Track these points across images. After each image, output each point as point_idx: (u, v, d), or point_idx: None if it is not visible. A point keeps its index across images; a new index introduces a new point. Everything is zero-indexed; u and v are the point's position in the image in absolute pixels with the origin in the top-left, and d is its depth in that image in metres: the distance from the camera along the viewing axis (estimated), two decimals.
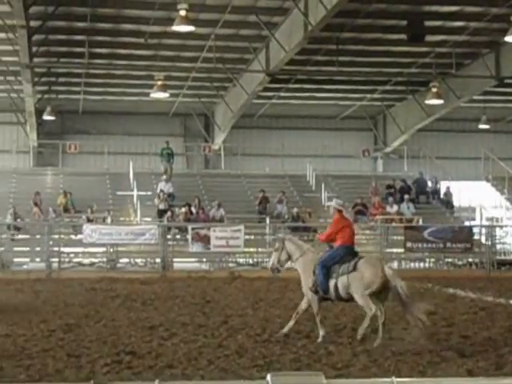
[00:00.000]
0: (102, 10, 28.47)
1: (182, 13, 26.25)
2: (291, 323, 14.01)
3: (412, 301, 13.15)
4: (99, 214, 32.28)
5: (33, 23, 27.54)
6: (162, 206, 33.14)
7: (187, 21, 26.39)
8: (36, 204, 32.39)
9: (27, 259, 30.34)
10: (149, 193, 35.86)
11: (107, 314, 17.08)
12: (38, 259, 30.23)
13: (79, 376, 11.04)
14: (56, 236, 30.71)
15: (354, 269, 13.26)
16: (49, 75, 34.44)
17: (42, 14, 27.79)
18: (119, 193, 36.35)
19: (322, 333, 13.59)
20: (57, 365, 11.69)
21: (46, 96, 37.10)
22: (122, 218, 33.76)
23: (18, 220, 31.25)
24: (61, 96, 38.26)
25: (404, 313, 13.31)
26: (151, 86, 35.48)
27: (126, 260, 30.50)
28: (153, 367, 11.52)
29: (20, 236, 31.27)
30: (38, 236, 31.15)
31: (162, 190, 34.23)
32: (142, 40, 30.50)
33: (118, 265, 29.86)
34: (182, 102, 39.87)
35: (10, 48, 30.29)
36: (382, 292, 13.23)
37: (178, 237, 31.58)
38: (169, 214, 32.32)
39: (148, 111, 40.73)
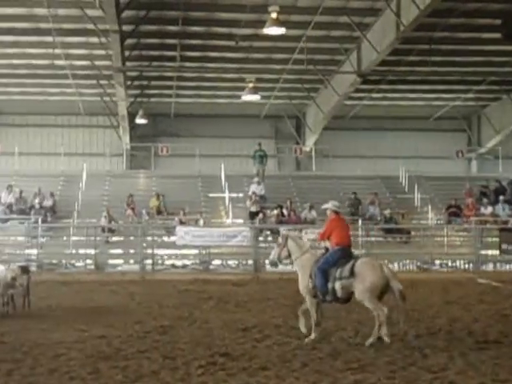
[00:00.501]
0: (194, 13, 28.59)
1: (273, 15, 26.22)
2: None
3: (402, 301, 13.43)
4: (191, 216, 32.48)
5: (125, 27, 27.84)
6: (253, 208, 33.15)
7: (278, 23, 26.33)
8: (129, 206, 32.80)
9: (121, 261, 30.69)
10: (240, 195, 35.90)
11: (201, 316, 17.13)
12: (131, 261, 30.57)
13: (175, 377, 11.14)
14: (149, 238, 31.02)
15: (353, 273, 13.53)
16: (141, 79, 34.83)
17: (134, 18, 28.10)
18: (211, 195, 36.47)
19: (314, 334, 13.81)
20: (152, 366, 11.79)
21: (138, 99, 37.57)
22: (214, 220, 33.93)
23: (112, 222, 31.66)
24: (153, 99, 38.70)
25: (397, 311, 13.65)
26: (242, 89, 35.58)
27: (218, 262, 30.57)
28: (247, 369, 11.52)
29: (114, 238, 31.66)
30: (131, 238, 31.57)
31: (253, 192, 34.24)
32: (233, 43, 30.54)
33: (211, 266, 30.01)
34: (273, 104, 39.87)
35: (102, 52, 30.76)
36: (382, 292, 13.55)
37: (269, 239, 31.56)
38: (260, 215, 32.35)
39: (239, 113, 40.82)
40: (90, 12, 27.10)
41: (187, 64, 33.03)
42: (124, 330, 15.19)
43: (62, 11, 27.88)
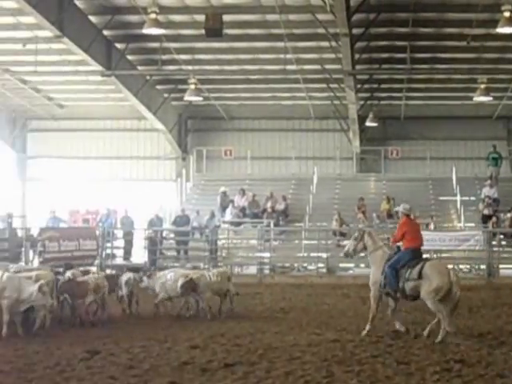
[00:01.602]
0: (424, 14, 28.14)
1: (507, 14, 25.34)
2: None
3: (455, 308, 14.53)
4: (422, 220, 31.87)
5: (355, 31, 27.85)
6: (486, 212, 32.13)
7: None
8: (360, 209, 32.74)
9: (352, 264, 30.63)
10: (472, 198, 34.94)
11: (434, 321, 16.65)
12: (362, 265, 30.42)
13: (409, 383, 10.99)
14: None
15: (421, 275, 14.47)
16: (371, 82, 34.67)
17: (365, 21, 28.03)
18: (442, 198, 35.75)
19: (368, 327, 14.97)
20: (386, 371, 11.70)
21: (368, 102, 37.42)
22: (445, 224, 33.22)
23: (343, 226, 31.71)
24: (383, 102, 38.41)
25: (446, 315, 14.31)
26: (474, 90, 34.68)
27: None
28: (483, 376, 11.25)
29: (345, 242, 31.59)
30: None
31: (487, 196, 33.21)
32: (464, 43, 29.73)
33: None
34: (505, 104, 38.47)
35: (332, 56, 30.85)
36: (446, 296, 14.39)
37: (503, 243, 30.49)
38: (494, 219, 31.30)
39: (470, 115, 39.65)
40: (321, 16, 27.34)
41: (417, 66, 32.49)
42: (357, 334, 15.16)
43: (293, 16, 28.36)
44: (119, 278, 18.24)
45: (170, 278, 17.84)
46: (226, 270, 20.17)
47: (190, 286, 17.45)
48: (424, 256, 15.71)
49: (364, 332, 14.94)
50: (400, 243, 15.39)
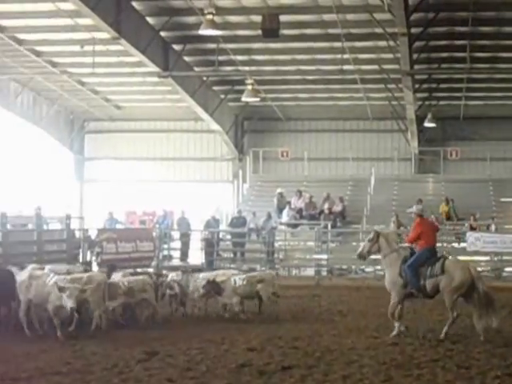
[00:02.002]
0: (484, 13, 27.71)
1: None
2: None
3: (491, 302, 14.53)
4: (483, 222, 31.45)
5: (413, 30, 27.52)
6: None
7: None
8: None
9: None
10: None
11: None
12: None
13: None
14: (439, 244, 30.20)
15: (443, 271, 14.73)
16: (429, 81, 34.24)
17: (423, 20, 27.69)
18: (503, 199, 35.20)
19: (397, 327, 15.14)
20: (446, 375, 11.50)
21: (426, 103, 36.98)
22: (506, 226, 32.60)
23: (401, 228, 31.34)
24: (441, 102, 37.90)
25: (477, 313, 14.58)
26: None
27: (511, 269, 29.35)
28: None
29: (404, 244, 31.23)
30: None
31: None
32: None
33: (504, 274, 28.83)
34: None
35: (390, 56, 30.55)
36: (468, 292, 14.67)
37: None
38: None
39: None
40: (378, 16, 27.07)
41: (477, 65, 31.95)
42: (416, 337, 14.94)
43: (350, 16, 28.14)
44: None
45: (202, 278, 17.90)
46: (269, 273, 19.60)
47: (213, 288, 17.43)
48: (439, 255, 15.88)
49: (394, 333, 15.03)
50: (414, 244, 15.78)
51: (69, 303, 14.31)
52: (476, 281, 14.65)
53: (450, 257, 16.19)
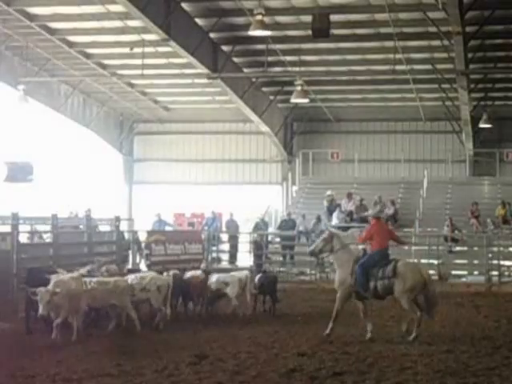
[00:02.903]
0: None
1: None
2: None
3: (436, 304, 15.63)
4: None
5: (468, 29, 26.86)
6: None
7: None
8: (474, 214, 31.73)
9: (465, 272, 29.71)
10: None
11: None
12: (476, 272, 29.48)
13: None
14: (495, 248, 29.59)
15: (395, 274, 15.13)
16: (485, 81, 33.53)
17: (479, 18, 26.98)
18: None
19: (331, 326, 15.27)
20: (503, 383, 11.14)
21: (481, 103, 36.25)
22: None
23: (456, 231, 30.77)
24: (497, 102, 37.13)
25: (426, 311, 15.33)
26: None
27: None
28: None
29: (457, 248, 30.70)
30: (475, 248, 30.40)
31: None
32: None
33: None
34: None
35: (444, 55, 30.00)
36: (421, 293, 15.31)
37: None
38: None
39: None
40: (432, 14, 26.50)
41: None
42: (471, 344, 14.57)
43: (403, 15, 27.59)
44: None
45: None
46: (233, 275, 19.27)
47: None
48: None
49: (327, 331, 15.25)
50: (366, 245, 16.52)
51: (39, 309, 14.09)
52: (427, 283, 15.33)
53: (401, 260, 16.03)
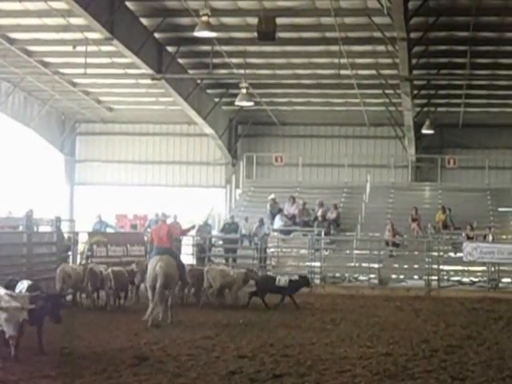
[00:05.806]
0: (485, 18, 27.13)
1: None
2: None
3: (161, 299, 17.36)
4: (480, 232, 30.98)
5: (413, 35, 27.01)
6: None
7: None
8: (414, 220, 31.97)
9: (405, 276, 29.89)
10: None
11: (490, 337, 16.36)
12: (415, 276, 29.67)
13: None
14: (435, 253, 29.82)
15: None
16: (428, 88, 33.73)
17: (423, 24, 27.17)
18: (501, 209, 34.76)
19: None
20: None
21: (424, 109, 36.50)
22: (503, 236, 32.11)
23: (397, 236, 30.96)
24: (440, 109, 37.39)
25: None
26: None
27: (508, 280, 28.89)
28: None
29: (398, 252, 30.88)
30: (415, 253, 30.63)
31: None
32: None
33: (500, 285, 28.34)
34: None
35: (389, 61, 30.12)
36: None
37: None
38: None
39: None
40: (377, 20, 26.55)
41: (477, 71, 31.51)
42: (410, 348, 14.65)
43: (348, 20, 27.61)
44: None
45: None
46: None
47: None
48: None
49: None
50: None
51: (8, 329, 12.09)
52: (158, 275, 17.25)
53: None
